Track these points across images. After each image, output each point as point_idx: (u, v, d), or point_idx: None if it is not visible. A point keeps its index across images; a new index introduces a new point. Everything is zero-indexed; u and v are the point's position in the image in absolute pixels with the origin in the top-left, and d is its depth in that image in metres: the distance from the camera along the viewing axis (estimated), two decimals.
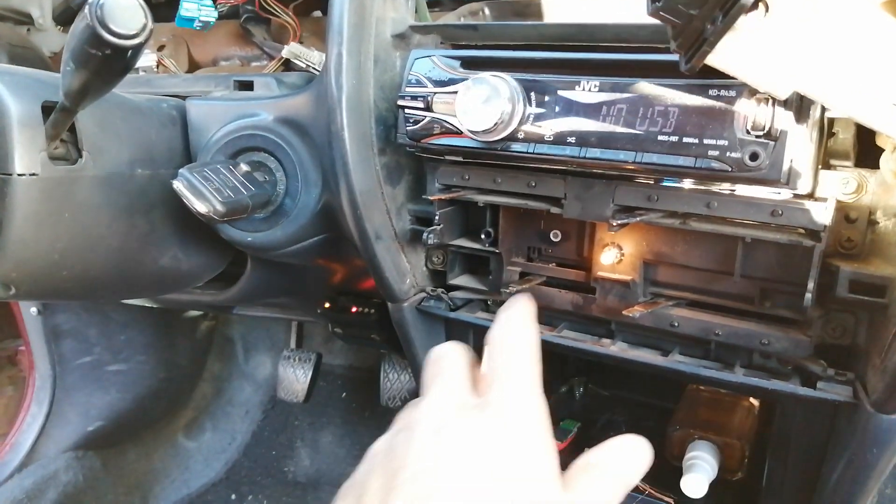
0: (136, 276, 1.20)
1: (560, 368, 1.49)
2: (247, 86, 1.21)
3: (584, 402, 1.47)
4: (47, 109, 0.94)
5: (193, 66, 1.65)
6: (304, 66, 1.37)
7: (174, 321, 2.48)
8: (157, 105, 1.18)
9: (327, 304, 1.63)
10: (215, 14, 1.45)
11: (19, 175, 0.91)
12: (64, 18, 1.75)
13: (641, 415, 1.41)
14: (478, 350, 1.18)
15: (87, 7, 0.74)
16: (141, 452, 2.52)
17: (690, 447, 1.15)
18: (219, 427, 2.65)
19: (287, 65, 1.42)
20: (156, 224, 1.15)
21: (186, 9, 1.43)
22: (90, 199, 1.02)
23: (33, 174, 0.92)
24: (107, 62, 0.78)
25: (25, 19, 1.73)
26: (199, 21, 1.45)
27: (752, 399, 1.28)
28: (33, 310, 2.16)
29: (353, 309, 1.61)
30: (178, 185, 0.98)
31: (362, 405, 2.50)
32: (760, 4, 0.59)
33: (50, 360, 2.24)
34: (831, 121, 0.85)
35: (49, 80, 0.98)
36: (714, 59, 0.62)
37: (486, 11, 1.33)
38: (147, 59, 1.49)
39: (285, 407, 2.57)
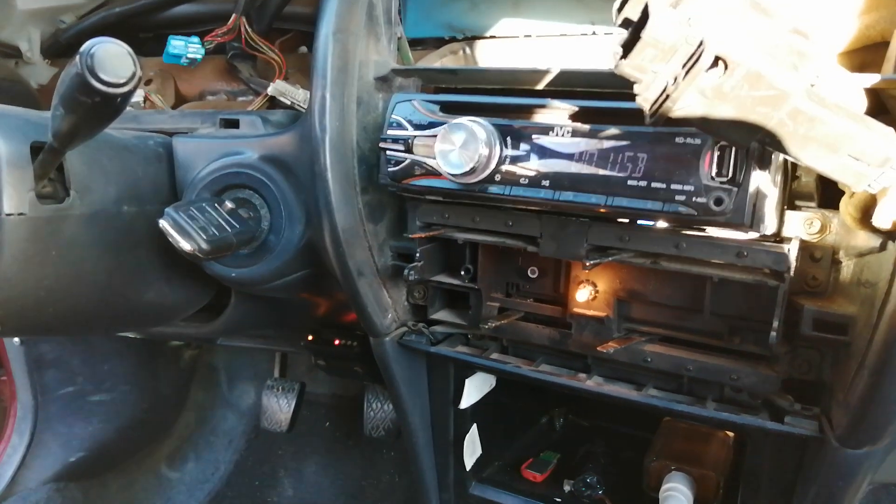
0: (122, 311, 1.22)
1: (541, 399, 1.51)
2: (233, 124, 1.23)
3: (564, 432, 1.49)
4: (36, 149, 0.95)
5: (180, 100, 1.67)
6: (289, 103, 1.40)
7: (158, 350, 2.47)
8: (143, 142, 1.20)
9: (310, 337, 1.64)
10: (202, 51, 1.48)
11: (7, 215, 0.93)
12: (52, 52, 1.78)
13: (620, 445, 1.43)
14: (458, 383, 1.21)
15: (77, 56, 0.76)
16: (123, 483, 2.50)
17: (667, 479, 1.17)
18: (202, 457, 2.63)
19: (272, 101, 1.46)
20: (142, 260, 1.17)
21: (174, 46, 1.46)
22: (77, 237, 1.03)
23: (21, 214, 0.94)
24: (96, 108, 0.80)
25: (13, 52, 1.75)
26: (187, 58, 1.48)
27: (727, 430, 1.31)
28: (16, 340, 2.15)
29: (336, 341, 1.62)
30: (164, 224, 1.00)
31: (346, 434, 2.50)
32: (720, 63, 0.63)
33: (32, 390, 2.22)
34: (794, 164, 0.89)
35: (38, 120, 1.00)
36: (677, 113, 0.65)
37: (467, 50, 1.37)
38: (136, 91, 1.51)
39: (269, 436, 2.56)
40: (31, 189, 0.95)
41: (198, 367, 2.68)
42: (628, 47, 0.66)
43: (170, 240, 1.01)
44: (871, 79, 0.79)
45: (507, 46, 1.33)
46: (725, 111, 0.65)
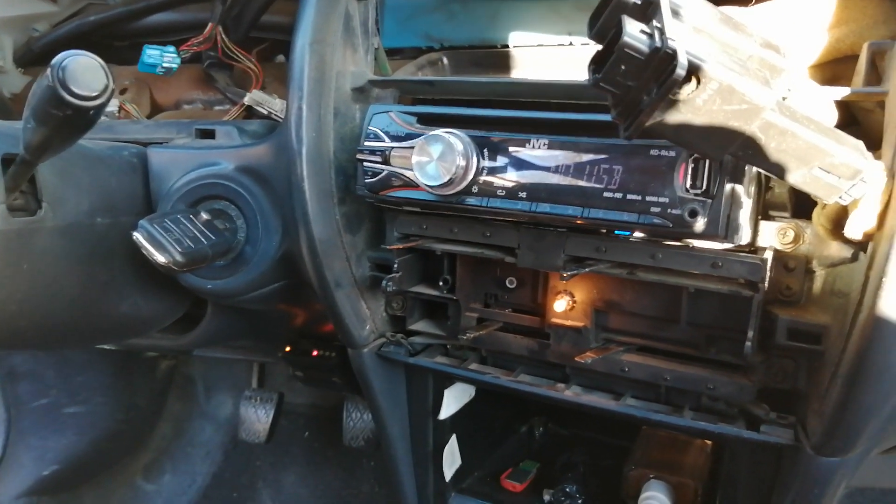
0: (96, 323, 1.20)
1: (520, 408, 1.51)
2: (208, 134, 1.22)
3: (544, 441, 1.49)
4: (7, 161, 0.94)
5: (156, 110, 1.66)
6: (266, 112, 1.39)
7: (133, 361, 2.44)
8: (117, 153, 1.19)
9: (288, 348, 1.63)
10: (178, 61, 1.47)
11: None
12: (25, 60, 1.75)
13: (600, 454, 1.43)
14: (437, 394, 1.21)
15: (49, 69, 0.75)
16: (98, 496, 2.46)
17: (645, 487, 1.18)
18: (179, 469, 2.59)
19: (249, 110, 1.45)
20: (115, 272, 1.15)
21: (149, 55, 1.45)
22: (50, 250, 1.02)
23: None
24: (68, 121, 0.79)
25: None
26: (162, 67, 1.47)
27: (705, 439, 1.32)
28: None
29: (314, 352, 1.61)
30: (137, 236, 0.99)
31: (325, 444, 2.48)
32: (693, 77, 0.63)
33: (4, 403, 2.18)
34: (768, 175, 0.90)
35: (9, 131, 0.98)
36: (650, 128, 0.66)
37: (445, 61, 1.37)
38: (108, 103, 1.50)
39: (247, 447, 2.53)
40: (1, 202, 0.94)
41: (174, 378, 2.65)
42: (602, 61, 0.66)
43: (144, 252, 1.00)
44: (842, 91, 0.81)
45: (485, 57, 1.33)
46: (698, 125, 0.65)
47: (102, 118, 1.47)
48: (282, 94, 1.43)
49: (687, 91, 0.63)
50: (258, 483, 2.53)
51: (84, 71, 0.76)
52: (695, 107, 0.64)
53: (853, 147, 0.71)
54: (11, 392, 2.18)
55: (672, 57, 0.62)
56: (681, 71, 0.62)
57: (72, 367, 2.28)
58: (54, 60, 0.76)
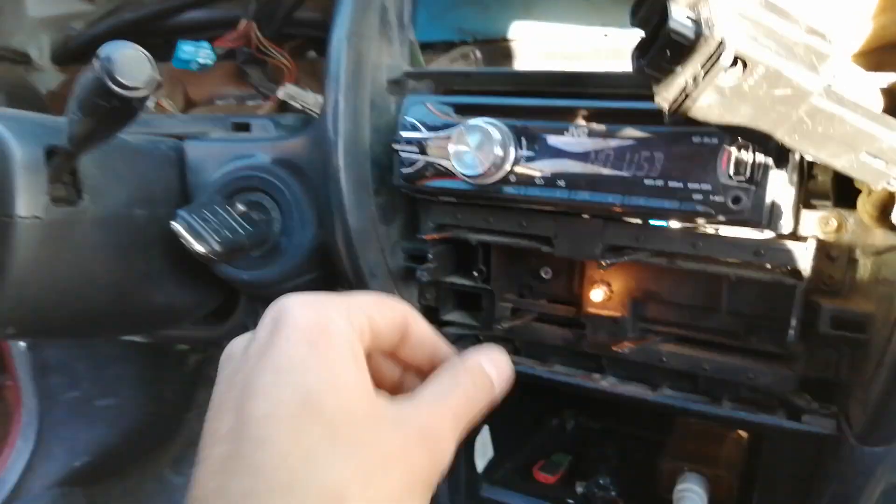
0: (133, 313, 1.22)
1: (552, 401, 1.51)
2: (244, 127, 1.24)
3: (576, 435, 1.49)
4: (50, 153, 0.96)
5: (189, 105, 1.68)
6: (299, 107, 1.40)
7: (163, 355, 2.46)
8: (155, 146, 1.21)
9: None
10: (213, 57, 1.48)
11: (22, 218, 0.93)
12: (61, 58, 1.78)
13: (632, 447, 1.43)
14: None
15: (96, 60, 0.77)
16: (127, 488, 2.49)
17: (680, 480, 1.17)
18: None
19: (283, 105, 1.46)
20: (153, 263, 1.17)
21: (185, 51, 1.47)
22: (90, 240, 1.04)
23: (36, 217, 0.94)
24: (113, 112, 0.81)
25: (23, 59, 1.76)
26: (197, 62, 1.48)
27: (741, 431, 1.31)
28: (22, 344, 2.15)
29: None
30: (176, 226, 1.01)
31: None
32: (739, 62, 0.63)
33: (37, 395, 2.21)
34: (810, 163, 0.89)
35: (52, 124, 1.00)
36: (696, 113, 0.65)
37: (477, 54, 1.37)
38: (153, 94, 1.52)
39: None
40: (45, 192, 0.96)
41: (203, 372, 2.68)
42: (646, 48, 0.66)
43: (182, 242, 1.01)
44: (888, 78, 0.79)
45: (518, 49, 1.33)
46: (744, 110, 0.65)
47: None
48: (314, 89, 1.44)
49: (733, 76, 0.63)
50: None
51: (130, 62, 0.78)
52: (741, 92, 0.63)
53: None
54: (43, 384, 2.21)
55: (718, 42, 0.61)
56: (727, 56, 0.61)
57: (102, 359, 2.31)
58: (100, 51, 0.77)
